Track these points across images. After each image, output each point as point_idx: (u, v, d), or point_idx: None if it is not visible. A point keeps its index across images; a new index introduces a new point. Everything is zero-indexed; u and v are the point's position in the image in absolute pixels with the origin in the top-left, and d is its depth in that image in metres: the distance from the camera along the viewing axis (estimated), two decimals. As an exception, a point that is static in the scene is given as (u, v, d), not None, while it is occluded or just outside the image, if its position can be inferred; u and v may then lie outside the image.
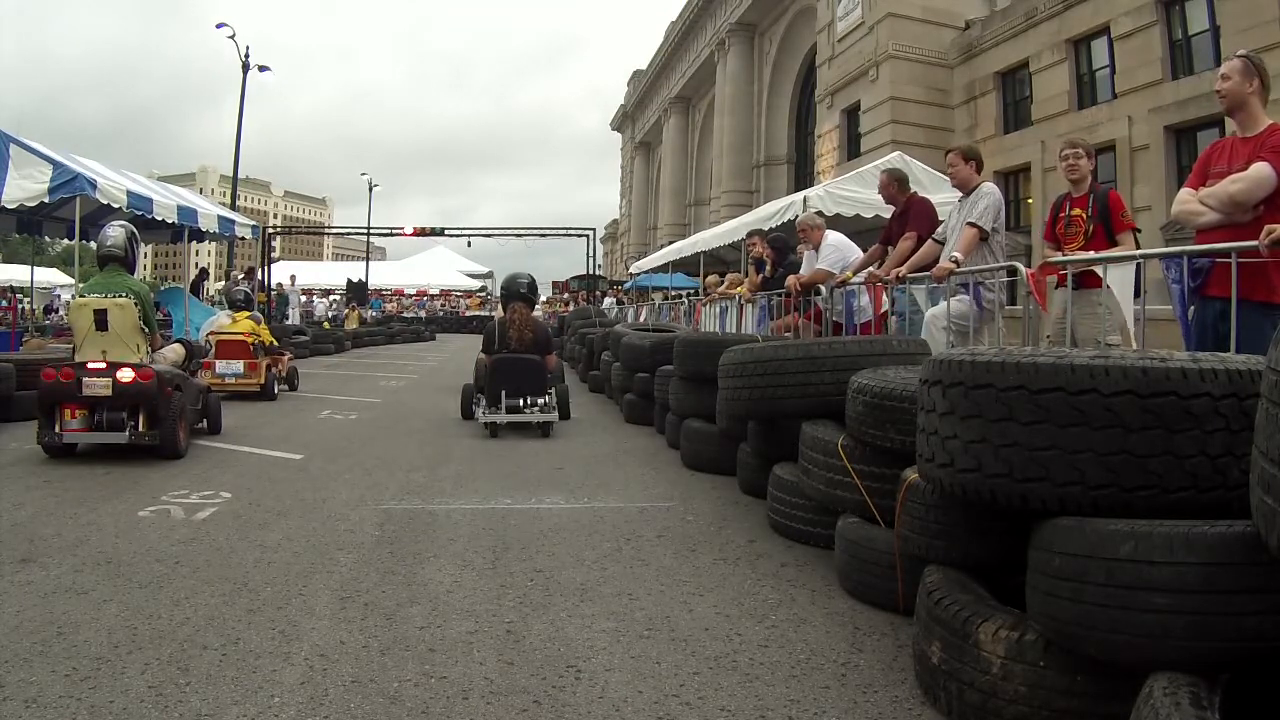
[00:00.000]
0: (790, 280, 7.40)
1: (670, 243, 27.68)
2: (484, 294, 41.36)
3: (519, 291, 8.06)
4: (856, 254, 7.18)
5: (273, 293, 19.15)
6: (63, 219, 12.25)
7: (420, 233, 26.15)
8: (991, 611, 2.15)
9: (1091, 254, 4.58)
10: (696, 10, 43.24)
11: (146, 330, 5.95)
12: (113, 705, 2.21)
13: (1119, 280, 4.29)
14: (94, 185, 9.47)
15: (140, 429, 5.63)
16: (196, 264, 17.19)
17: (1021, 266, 4.81)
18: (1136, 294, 4.08)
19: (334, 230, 56.94)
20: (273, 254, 21.42)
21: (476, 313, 36.84)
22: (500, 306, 7.72)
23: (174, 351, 6.56)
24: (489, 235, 28.03)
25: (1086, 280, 4.49)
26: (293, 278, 25.94)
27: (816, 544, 3.76)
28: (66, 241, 14.35)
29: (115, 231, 6.13)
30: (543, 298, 33.95)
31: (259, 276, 18.00)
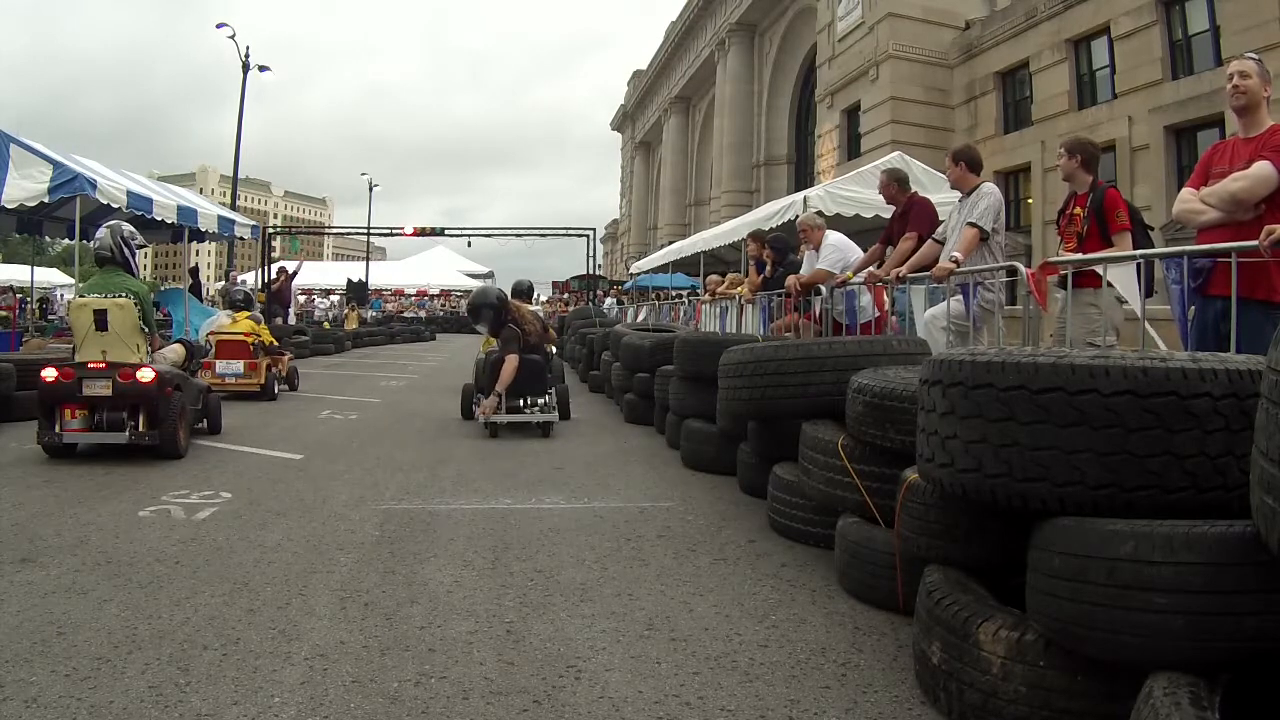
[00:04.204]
0: (790, 280, 7.40)
1: (670, 243, 27.69)
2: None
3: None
4: (857, 254, 7.18)
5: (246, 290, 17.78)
6: (63, 219, 12.24)
7: (420, 233, 26.11)
8: (991, 611, 2.15)
9: (1091, 254, 4.59)
10: (696, 10, 43.25)
11: (146, 330, 5.95)
12: (113, 705, 2.20)
13: (1121, 280, 4.28)
14: (94, 185, 9.47)
15: (140, 429, 5.63)
16: (191, 265, 16.94)
17: (1021, 266, 4.81)
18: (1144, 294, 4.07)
19: (334, 230, 56.84)
20: (273, 254, 21.34)
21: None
22: (488, 321, 7.58)
23: (174, 351, 6.56)
24: (489, 235, 28.00)
25: (1082, 280, 4.49)
26: (287, 274, 23.92)
27: (816, 544, 3.76)
28: (66, 241, 14.34)
29: (102, 232, 6.21)
30: (543, 297, 34.07)
31: (259, 276, 17.84)
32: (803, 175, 34.65)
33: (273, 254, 21.13)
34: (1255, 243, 3.19)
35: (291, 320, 21.39)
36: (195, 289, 15.64)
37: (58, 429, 5.58)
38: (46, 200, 9.67)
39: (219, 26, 22.19)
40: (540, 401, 7.37)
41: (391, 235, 27.76)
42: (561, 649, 2.65)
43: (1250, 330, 3.28)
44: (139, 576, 3.26)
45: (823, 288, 7.12)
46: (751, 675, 2.48)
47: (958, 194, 5.89)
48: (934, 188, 8.73)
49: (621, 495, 4.97)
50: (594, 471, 5.70)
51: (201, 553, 3.61)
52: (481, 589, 3.22)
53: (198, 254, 40.32)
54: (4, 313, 17.85)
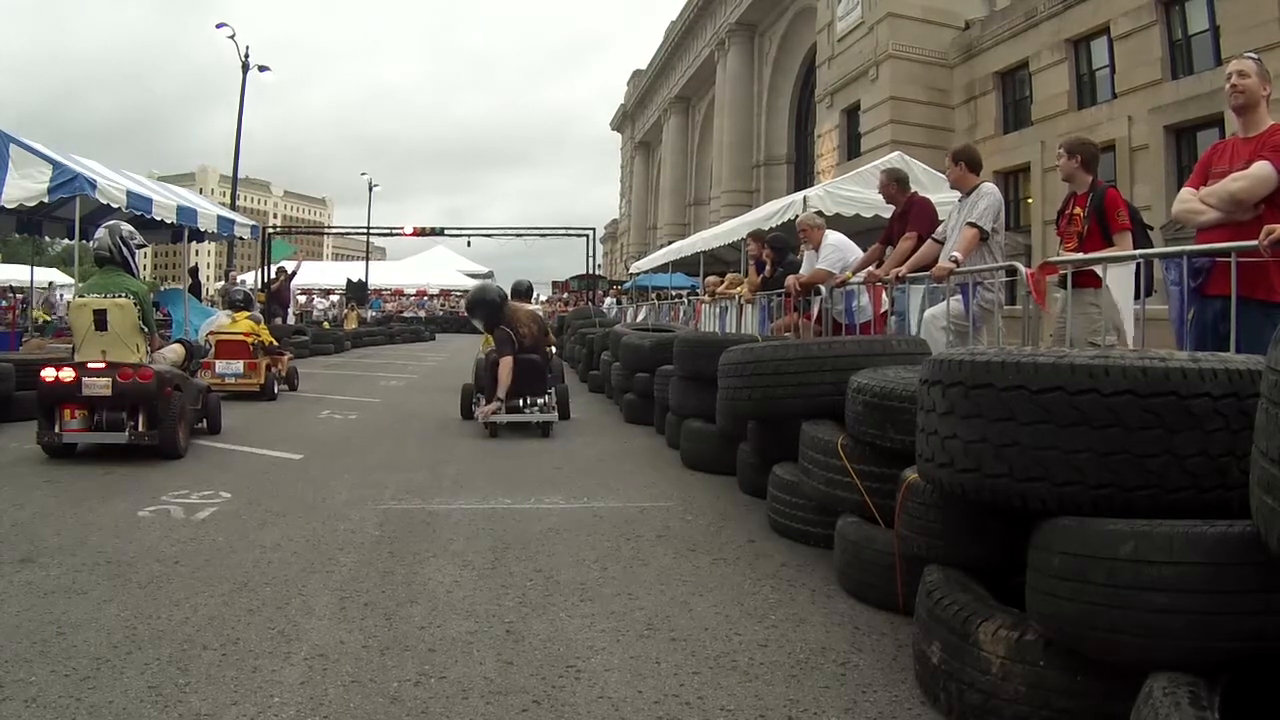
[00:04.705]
0: (790, 280, 7.40)
1: (670, 243, 27.69)
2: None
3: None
4: (856, 254, 7.18)
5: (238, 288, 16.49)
6: (63, 219, 12.24)
7: (420, 233, 26.12)
8: (991, 611, 2.15)
9: (1091, 254, 4.59)
10: (696, 10, 43.23)
11: (146, 330, 5.94)
12: (112, 705, 2.20)
13: (1117, 280, 4.28)
14: (93, 185, 9.47)
15: (140, 429, 5.63)
16: (191, 265, 16.84)
17: (1021, 266, 4.81)
18: (1137, 295, 4.08)
19: (334, 230, 56.65)
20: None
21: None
22: (483, 318, 7.59)
23: (174, 351, 6.55)
24: (489, 235, 27.99)
25: (1082, 280, 4.49)
26: (286, 274, 21.37)
27: (816, 544, 3.76)
28: (66, 241, 14.34)
29: (100, 232, 6.23)
30: (542, 297, 34.07)
31: (258, 276, 17.77)
32: (802, 175, 34.63)
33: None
34: (1255, 243, 3.19)
35: (291, 320, 21.37)
36: (195, 289, 15.63)
37: (57, 429, 5.58)
38: (46, 200, 9.67)
39: (219, 26, 22.23)
40: (540, 401, 7.36)
41: (391, 235, 27.78)
42: (561, 649, 2.65)
43: (1250, 330, 3.28)
44: (139, 576, 3.26)
45: (822, 288, 7.12)
46: (751, 675, 2.48)
47: (958, 194, 5.90)
48: (934, 188, 8.73)
49: (621, 495, 4.97)
50: (593, 471, 5.70)
51: (201, 553, 3.61)
52: (481, 589, 3.22)
53: (197, 254, 40.26)
54: (39, 313, 17.70)
